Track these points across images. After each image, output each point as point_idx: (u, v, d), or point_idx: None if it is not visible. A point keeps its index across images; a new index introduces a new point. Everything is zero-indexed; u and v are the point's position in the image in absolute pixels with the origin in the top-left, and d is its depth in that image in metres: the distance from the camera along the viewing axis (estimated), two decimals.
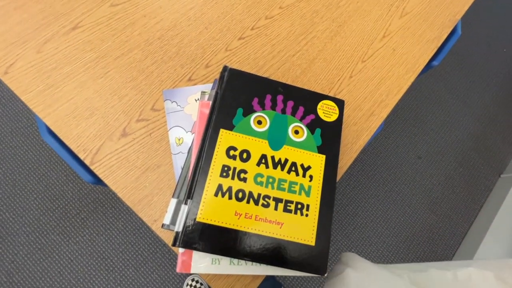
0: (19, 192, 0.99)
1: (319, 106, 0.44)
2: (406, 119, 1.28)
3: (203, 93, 0.46)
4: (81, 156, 0.42)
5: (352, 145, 0.49)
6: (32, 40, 0.47)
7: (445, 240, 1.14)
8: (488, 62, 1.43)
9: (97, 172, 0.42)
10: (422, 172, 1.21)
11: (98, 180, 0.47)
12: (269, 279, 0.87)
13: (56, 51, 0.47)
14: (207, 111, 0.42)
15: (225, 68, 0.44)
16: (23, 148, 1.04)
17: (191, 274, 0.96)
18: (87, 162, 0.42)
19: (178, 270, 0.36)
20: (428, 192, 1.19)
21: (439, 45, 0.59)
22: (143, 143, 0.44)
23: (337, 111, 0.45)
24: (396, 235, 1.12)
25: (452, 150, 1.27)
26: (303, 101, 0.44)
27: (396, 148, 1.23)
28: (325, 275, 0.37)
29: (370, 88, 0.53)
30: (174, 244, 0.35)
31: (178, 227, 0.36)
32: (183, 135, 0.44)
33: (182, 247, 0.34)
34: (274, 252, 0.36)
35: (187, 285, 0.93)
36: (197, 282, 0.93)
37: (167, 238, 0.40)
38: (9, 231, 0.96)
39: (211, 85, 0.48)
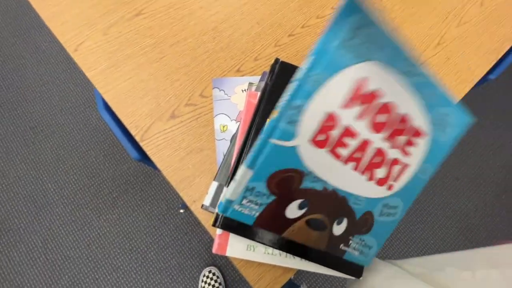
0: (62, 166, 1.07)
1: None
2: None
3: (250, 84, 0.47)
4: (133, 132, 0.45)
5: None
6: (99, 23, 0.51)
7: None
8: None
9: (145, 148, 0.44)
10: (459, 195, 1.14)
11: (143, 157, 0.50)
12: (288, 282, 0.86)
13: (119, 34, 0.51)
14: (254, 101, 0.43)
15: (276, 60, 0.44)
16: (70, 126, 1.12)
17: (209, 266, 0.97)
18: (137, 138, 0.45)
19: (214, 251, 0.36)
20: (463, 217, 1.11)
21: (498, 57, 0.56)
22: (189, 126, 0.46)
23: None
24: None
25: (494, 175, 1.17)
26: None
27: None
28: (360, 278, 0.36)
29: None
30: (214, 225, 0.35)
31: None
32: (228, 123, 0.45)
33: (221, 228, 0.35)
34: (313, 248, 0.35)
35: (204, 275, 0.95)
36: (213, 274, 0.94)
37: (204, 219, 0.41)
38: (49, 200, 1.03)
39: (258, 77, 0.49)
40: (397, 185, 0.32)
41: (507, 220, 1.12)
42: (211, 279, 0.93)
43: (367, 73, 0.27)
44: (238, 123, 0.45)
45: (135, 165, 1.09)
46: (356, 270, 0.36)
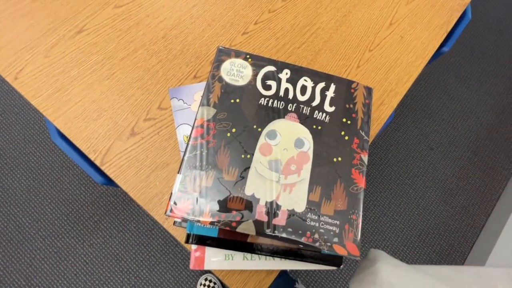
0: (34, 198, 1.02)
1: None
2: (416, 110, 1.25)
3: None
4: (92, 157, 0.43)
5: None
6: (39, 45, 0.48)
7: (462, 232, 1.11)
8: (499, 48, 1.39)
9: (107, 172, 0.42)
10: (435, 164, 1.18)
11: (109, 181, 0.47)
12: (282, 275, 0.86)
13: (63, 55, 0.48)
14: None
15: None
16: (36, 154, 1.06)
17: (204, 274, 0.96)
18: (97, 162, 0.42)
19: (191, 267, 0.35)
20: (442, 184, 1.16)
21: (448, 30, 0.57)
22: (151, 142, 0.44)
23: None
24: (410, 229, 1.10)
25: (465, 140, 1.23)
26: None
27: (407, 140, 1.21)
28: (341, 266, 0.36)
29: (378, 77, 0.52)
30: (187, 241, 0.34)
31: None
32: None
33: (195, 244, 0.34)
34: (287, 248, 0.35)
35: (201, 284, 0.94)
36: (210, 281, 0.93)
37: (179, 235, 0.40)
38: (25, 236, 0.98)
39: None
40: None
41: (482, 180, 1.18)
42: (208, 286, 0.92)
43: None
44: None
45: None
46: (335, 260, 0.36)
